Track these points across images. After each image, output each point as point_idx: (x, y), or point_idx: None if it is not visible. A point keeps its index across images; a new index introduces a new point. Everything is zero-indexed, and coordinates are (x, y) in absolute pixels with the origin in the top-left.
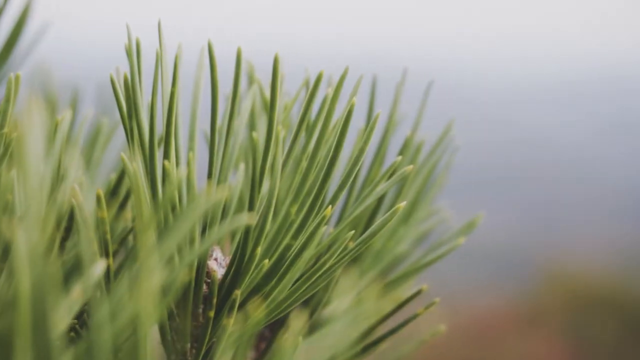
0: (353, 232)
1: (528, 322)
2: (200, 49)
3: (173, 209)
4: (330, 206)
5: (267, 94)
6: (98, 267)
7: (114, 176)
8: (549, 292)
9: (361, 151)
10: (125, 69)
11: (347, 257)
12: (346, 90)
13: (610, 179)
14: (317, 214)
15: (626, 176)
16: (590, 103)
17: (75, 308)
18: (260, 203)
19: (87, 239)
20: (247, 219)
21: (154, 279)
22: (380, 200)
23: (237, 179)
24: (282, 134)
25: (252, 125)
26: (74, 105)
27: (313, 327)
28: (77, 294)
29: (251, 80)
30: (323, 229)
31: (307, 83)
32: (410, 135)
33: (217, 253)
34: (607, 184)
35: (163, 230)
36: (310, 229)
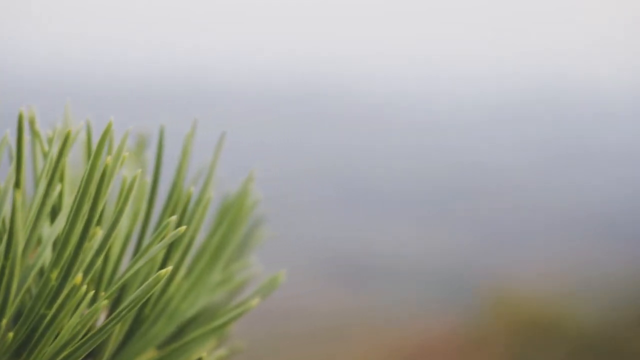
0: (106, 301)
1: (471, 347)
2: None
3: None
4: (81, 273)
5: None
6: None
7: None
8: (493, 318)
9: (119, 212)
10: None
11: (110, 326)
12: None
13: (555, 203)
14: (71, 279)
15: (571, 200)
16: (532, 125)
17: None
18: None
19: None
20: None
21: None
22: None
23: None
24: (20, 198)
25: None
26: None
27: None
28: None
29: (34, 134)
30: (89, 295)
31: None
32: (201, 191)
33: None
34: (552, 209)
35: None
36: (62, 296)
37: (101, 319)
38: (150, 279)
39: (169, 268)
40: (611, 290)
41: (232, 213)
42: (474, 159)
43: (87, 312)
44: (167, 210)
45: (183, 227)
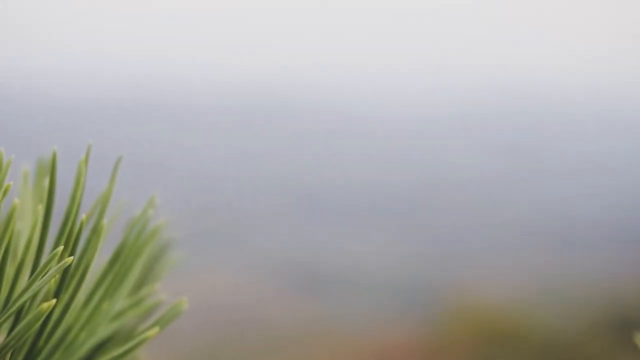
0: None
1: (431, 356)
2: None
3: None
4: None
5: None
6: None
7: None
8: (452, 327)
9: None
10: None
11: None
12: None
13: (514, 215)
14: None
15: (530, 213)
16: (493, 139)
17: None
18: None
19: None
20: None
21: None
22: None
23: None
24: None
25: None
26: None
27: None
28: None
29: None
30: None
31: None
32: (96, 218)
33: None
34: (511, 221)
35: None
36: None
37: None
38: (31, 315)
39: (53, 301)
40: (567, 299)
41: (131, 240)
42: (436, 171)
43: None
44: (60, 239)
45: (70, 258)
